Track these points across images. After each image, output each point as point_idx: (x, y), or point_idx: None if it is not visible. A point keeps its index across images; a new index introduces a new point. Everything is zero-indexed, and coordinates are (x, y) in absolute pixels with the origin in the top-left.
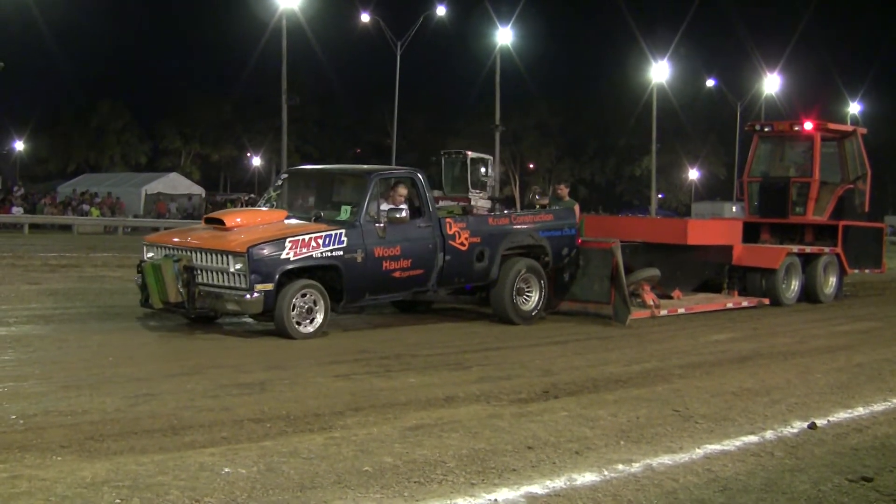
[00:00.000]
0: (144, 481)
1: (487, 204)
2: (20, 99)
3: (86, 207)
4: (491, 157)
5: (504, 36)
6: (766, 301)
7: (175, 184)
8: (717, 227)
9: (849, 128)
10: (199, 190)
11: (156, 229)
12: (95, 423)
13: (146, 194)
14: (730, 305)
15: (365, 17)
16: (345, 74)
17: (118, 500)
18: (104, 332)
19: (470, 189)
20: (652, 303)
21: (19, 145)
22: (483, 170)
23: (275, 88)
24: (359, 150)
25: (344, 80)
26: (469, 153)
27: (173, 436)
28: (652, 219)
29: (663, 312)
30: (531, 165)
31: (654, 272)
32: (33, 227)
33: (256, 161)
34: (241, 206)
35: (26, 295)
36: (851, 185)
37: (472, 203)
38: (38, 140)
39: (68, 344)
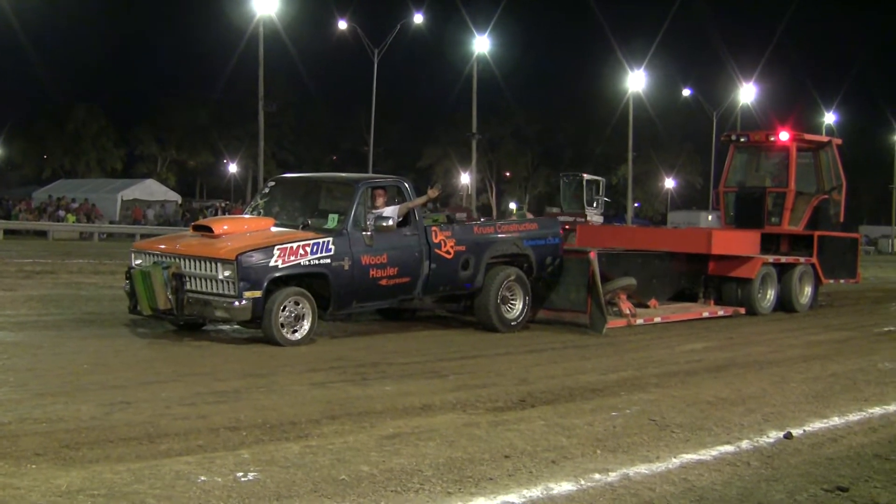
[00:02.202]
0: (120, 490)
1: (600, 220)
2: None
3: (61, 213)
4: (604, 179)
5: (481, 44)
6: (742, 310)
7: (151, 190)
8: (741, 238)
9: (824, 138)
10: (175, 196)
11: (131, 236)
12: (71, 431)
13: (122, 200)
14: (706, 314)
15: (342, 25)
16: (322, 81)
17: None
18: (80, 339)
19: (585, 206)
20: (628, 312)
21: None
22: (595, 189)
23: (252, 95)
24: (335, 158)
25: (321, 87)
26: (585, 175)
27: (149, 444)
28: (675, 229)
29: (639, 321)
30: (508, 174)
31: (631, 281)
32: (8, 233)
33: (233, 168)
34: (218, 212)
35: (1, 301)
36: (827, 196)
37: (588, 218)
38: (13, 145)
39: (43, 351)
